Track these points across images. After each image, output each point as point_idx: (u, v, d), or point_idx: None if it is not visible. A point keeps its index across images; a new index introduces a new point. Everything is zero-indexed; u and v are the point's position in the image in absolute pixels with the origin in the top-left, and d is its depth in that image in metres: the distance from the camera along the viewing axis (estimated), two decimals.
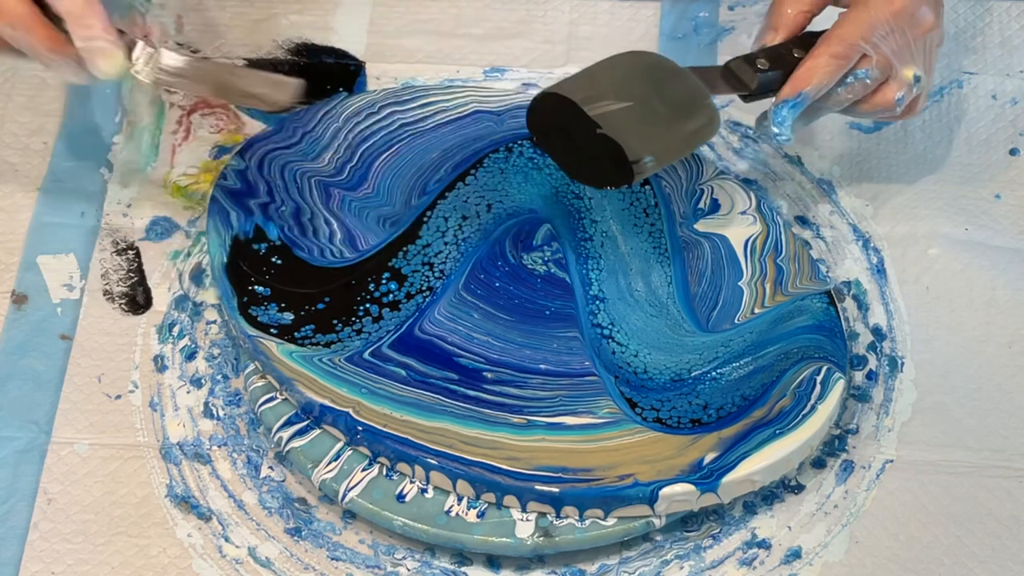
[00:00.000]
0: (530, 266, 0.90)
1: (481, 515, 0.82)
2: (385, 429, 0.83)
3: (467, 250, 0.91)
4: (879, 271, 0.94)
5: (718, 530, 0.85)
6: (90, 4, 0.83)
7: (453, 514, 0.82)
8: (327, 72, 1.03)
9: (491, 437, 0.83)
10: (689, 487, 0.81)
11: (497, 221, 0.92)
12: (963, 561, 0.83)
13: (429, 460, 0.82)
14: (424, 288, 0.89)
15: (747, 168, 0.98)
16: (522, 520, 0.82)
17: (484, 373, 0.85)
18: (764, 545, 0.84)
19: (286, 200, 0.92)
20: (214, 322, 0.92)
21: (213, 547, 0.84)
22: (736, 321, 0.87)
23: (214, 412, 0.89)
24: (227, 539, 0.85)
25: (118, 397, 0.89)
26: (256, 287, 0.89)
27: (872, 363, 0.90)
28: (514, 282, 0.90)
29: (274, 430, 0.85)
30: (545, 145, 0.89)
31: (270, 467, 0.87)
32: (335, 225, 0.92)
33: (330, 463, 0.84)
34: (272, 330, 0.87)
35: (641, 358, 0.86)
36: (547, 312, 0.88)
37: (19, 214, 0.96)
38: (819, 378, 0.85)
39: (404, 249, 0.91)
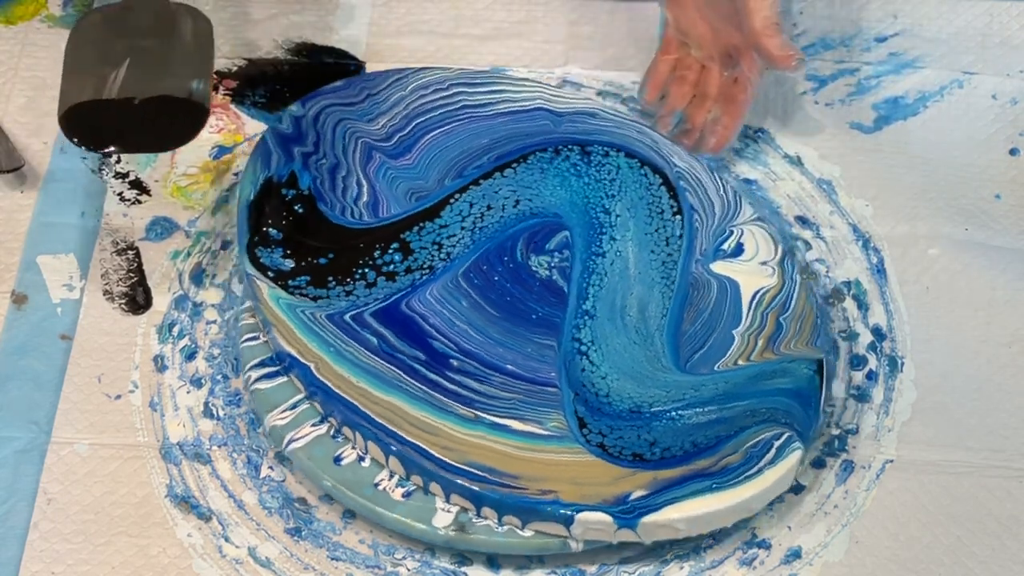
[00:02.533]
0: (534, 268, 0.90)
1: (407, 495, 0.83)
2: (338, 391, 0.84)
3: (480, 239, 0.91)
4: (879, 271, 0.94)
5: (718, 530, 0.85)
6: None
7: (381, 488, 0.83)
8: (327, 72, 1.03)
9: (434, 423, 0.83)
10: (607, 518, 0.81)
11: (519, 218, 0.92)
12: (963, 561, 0.83)
13: (368, 429, 0.83)
14: (425, 266, 0.89)
15: (747, 168, 0.98)
16: (443, 510, 0.83)
17: (451, 360, 0.86)
18: (764, 545, 0.84)
19: (328, 154, 0.93)
20: (214, 322, 0.92)
21: (213, 547, 0.84)
22: (716, 368, 0.86)
23: (214, 412, 0.89)
24: (227, 539, 0.85)
25: (118, 397, 0.89)
26: (270, 229, 0.90)
27: (872, 363, 0.90)
28: (513, 280, 0.90)
29: (246, 367, 0.87)
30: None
31: (270, 467, 0.87)
32: (365, 188, 0.92)
33: (285, 411, 0.86)
34: (269, 273, 0.88)
35: (608, 381, 0.85)
36: (533, 316, 0.88)
37: (19, 214, 0.96)
38: (777, 443, 0.82)
39: (421, 225, 0.91)
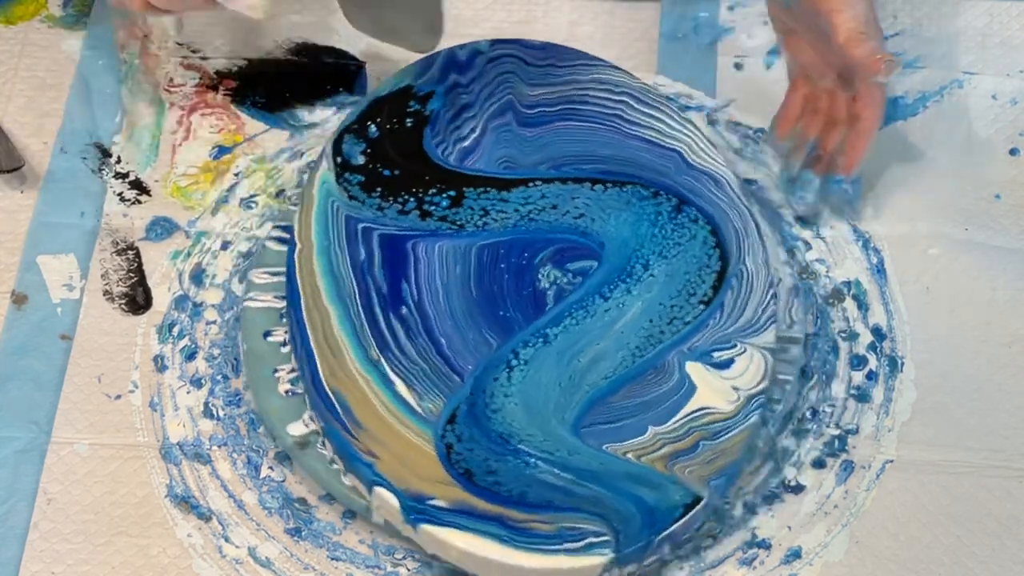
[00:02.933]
0: (540, 276, 0.89)
1: (290, 394, 0.87)
2: (298, 279, 0.88)
3: (520, 228, 0.91)
4: (879, 271, 0.94)
5: (718, 530, 0.85)
6: None
7: (276, 376, 0.88)
8: (327, 72, 1.03)
9: (343, 345, 0.86)
10: (397, 506, 0.81)
11: (567, 230, 0.91)
12: (963, 561, 0.83)
13: (296, 324, 0.87)
14: (458, 223, 0.90)
15: (747, 168, 0.98)
16: (303, 422, 0.86)
17: (402, 306, 0.87)
18: (764, 545, 0.84)
19: (472, 93, 0.95)
20: (214, 322, 0.92)
21: (213, 547, 0.84)
22: (603, 447, 0.83)
23: (214, 412, 0.89)
24: (227, 539, 0.85)
25: (118, 397, 0.90)
26: (372, 125, 0.93)
27: (872, 363, 0.90)
28: (513, 275, 0.89)
29: (250, 275, 0.92)
30: None
31: (270, 467, 0.87)
32: (474, 136, 0.93)
33: (267, 331, 0.90)
34: (339, 158, 0.92)
35: (507, 401, 0.84)
36: (501, 313, 0.88)
37: (19, 214, 0.96)
38: (592, 539, 0.80)
39: (486, 189, 0.92)
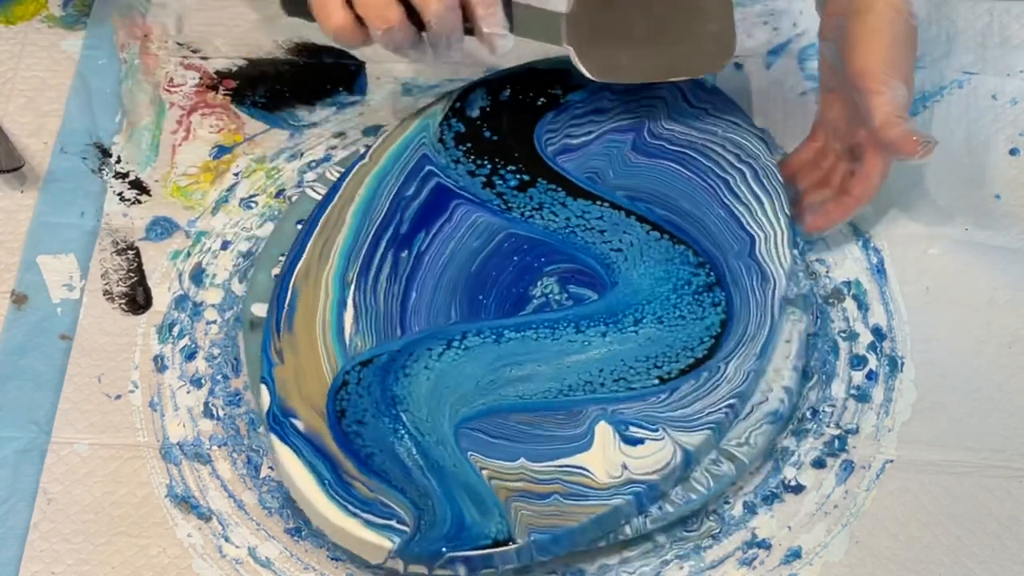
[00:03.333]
0: (539, 282, 0.89)
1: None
2: (344, 181, 0.93)
3: (559, 234, 0.91)
4: (879, 271, 0.94)
5: (718, 530, 0.85)
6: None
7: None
8: (327, 72, 1.03)
9: (330, 254, 0.90)
10: (267, 402, 0.85)
11: (598, 256, 0.90)
12: (963, 561, 0.83)
13: (314, 213, 0.92)
14: (510, 204, 0.92)
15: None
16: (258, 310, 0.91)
17: (403, 250, 0.91)
18: (764, 545, 0.84)
19: (609, 107, 0.96)
20: (214, 322, 0.92)
21: (213, 547, 0.84)
22: (467, 454, 0.83)
23: (214, 412, 0.89)
24: (227, 539, 0.85)
25: (118, 397, 0.89)
26: (509, 88, 0.97)
27: (872, 363, 0.90)
28: (516, 270, 0.90)
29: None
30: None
31: (270, 467, 0.87)
32: (584, 139, 0.95)
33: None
34: (458, 103, 0.96)
35: (424, 371, 0.86)
36: (480, 297, 0.89)
37: (19, 214, 0.96)
38: (394, 524, 0.80)
39: (557, 188, 0.93)
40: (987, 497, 0.85)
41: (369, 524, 0.81)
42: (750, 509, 0.85)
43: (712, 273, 0.89)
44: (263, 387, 0.86)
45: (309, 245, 0.91)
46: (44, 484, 0.86)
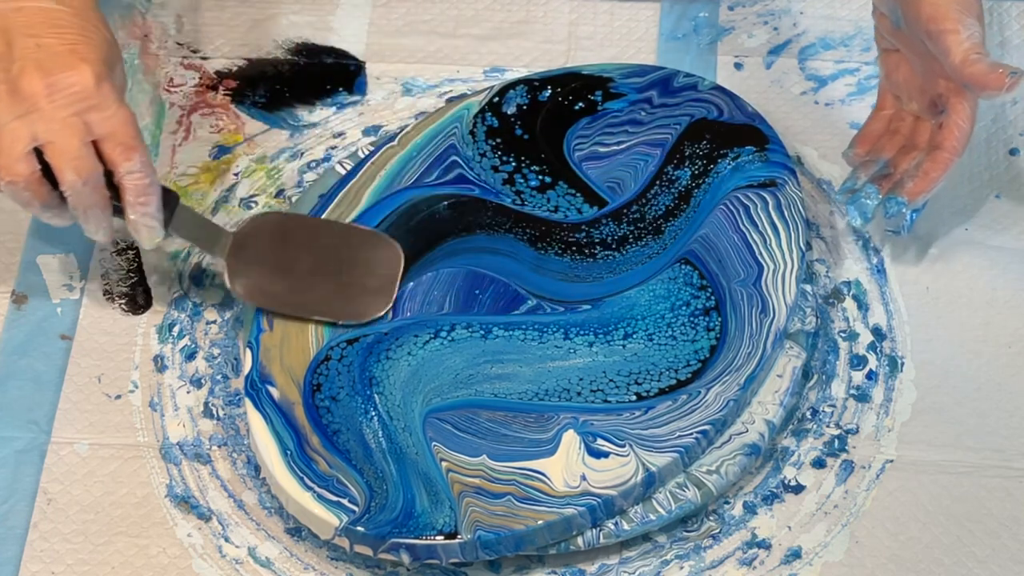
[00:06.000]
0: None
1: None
2: (369, 162, 0.94)
3: (568, 238, 0.91)
4: (879, 271, 0.94)
5: (718, 530, 0.85)
6: (153, 180, 0.84)
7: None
8: (327, 72, 1.03)
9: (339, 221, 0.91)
10: (249, 366, 0.87)
11: (603, 266, 0.90)
12: (963, 561, 0.83)
13: (334, 190, 0.93)
14: (525, 201, 0.93)
15: None
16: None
17: (427, 214, 0.92)
18: (764, 545, 0.84)
19: (645, 121, 0.96)
20: (214, 322, 0.92)
21: (213, 547, 0.84)
22: (431, 443, 0.84)
23: (214, 412, 0.89)
24: (227, 539, 0.85)
25: (118, 397, 0.89)
26: (548, 89, 0.97)
27: (872, 363, 0.90)
28: (516, 269, 0.90)
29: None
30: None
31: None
32: (613, 149, 0.95)
33: None
34: (496, 98, 0.96)
35: (407, 357, 0.86)
36: (476, 291, 0.89)
37: (19, 214, 0.96)
38: (346, 503, 0.81)
39: (576, 193, 0.93)
40: (987, 497, 0.85)
41: (321, 499, 0.82)
42: (750, 509, 0.85)
43: (713, 297, 0.89)
44: (247, 351, 0.87)
45: (321, 219, 0.92)
46: (44, 484, 0.86)
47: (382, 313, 0.89)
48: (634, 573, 0.83)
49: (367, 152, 0.95)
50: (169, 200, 0.86)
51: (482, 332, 0.88)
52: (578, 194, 0.93)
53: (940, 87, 0.89)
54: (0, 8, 0.83)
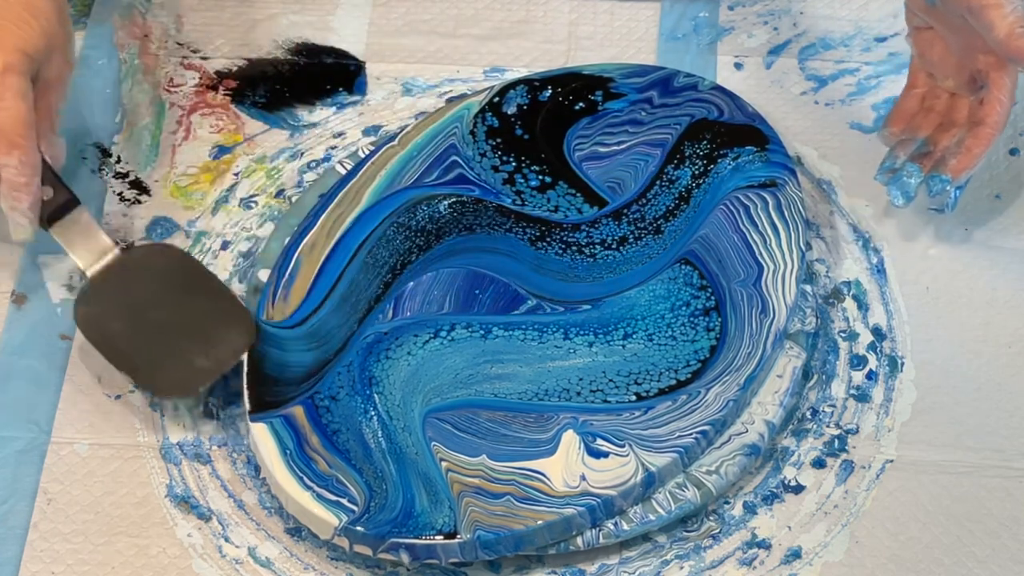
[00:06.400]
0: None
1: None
2: (369, 162, 0.94)
3: (568, 238, 0.91)
4: (879, 271, 0.94)
5: (718, 530, 0.85)
6: (30, 180, 0.85)
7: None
8: (327, 72, 1.03)
9: (339, 231, 0.91)
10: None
11: (603, 266, 0.91)
12: (963, 561, 0.83)
13: (334, 189, 0.93)
14: (525, 200, 0.93)
15: None
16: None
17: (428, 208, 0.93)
18: (764, 545, 0.84)
19: (645, 121, 0.96)
20: None
21: (213, 547, 0.84)
22: (431, 443, 0.84)
23: (214, 412, 0.89)
24: (227, 539, 0.85)
25: (118, 397, 0.89)
26: (549, 89, 0.97)
27: (872, 363, 0.90)
28: (516, 269, 0.90)
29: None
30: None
31: None
32: (613, 149, 0.95)
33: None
34: (497, 98, 0.96)
35: (407, 357, 0.87)
36: (476, 291, 0.89)
37: None
38: (345, 502, 0.81)
39: (576, 193, 0.93)
40: (987, 497, 0.85)
41: (320, 499, 0.82)
42: (750, 509, 0.85)
43: (713, 297, 0.89)
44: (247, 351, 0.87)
45: (320, 220, 0.92)
46: (44, 484, 0.86)
47: (184, 396, 0.87)
48: (634, 573, 0.83)
49: (367, 152, 0.95)
50: (62, 202, 0.87)
51: (482, 332, 0.88)
52: (578, 194, 0.93)
53: (979, 62, 0.89)
54: None
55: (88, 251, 0.88)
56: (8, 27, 0.83)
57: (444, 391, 0.86)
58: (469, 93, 0.99)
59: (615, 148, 0.95)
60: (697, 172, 0.93)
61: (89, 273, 0.88)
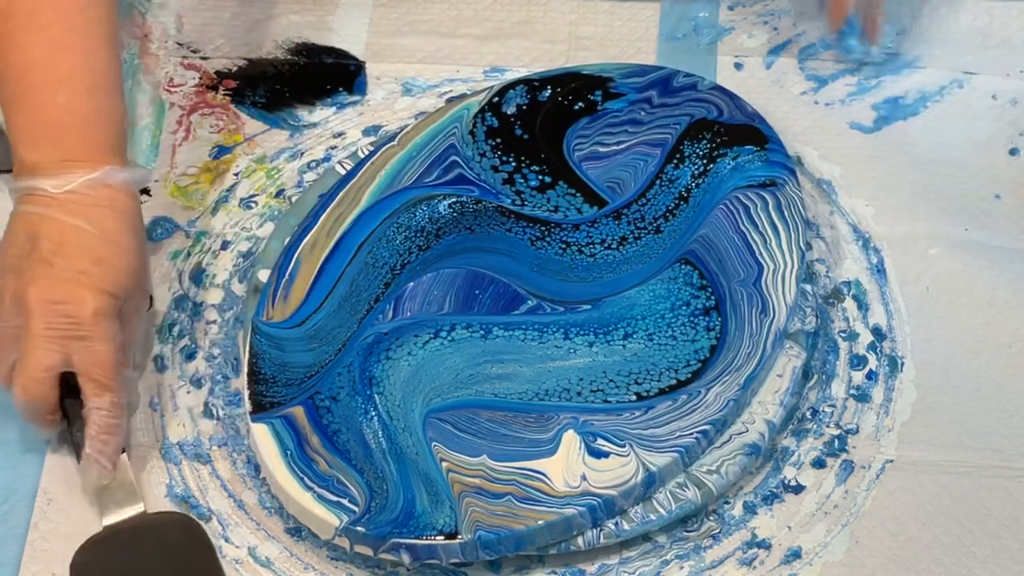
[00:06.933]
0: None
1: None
2: (369, 162, 0.94)
3: (568, 238, 0.92)
4: (879, 271, 0.94)
5: (718, 530, 0.85)
6: (120, 421, 0.84)
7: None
8: (327, 72, 1.03)
9: (338, 231, 0.91)
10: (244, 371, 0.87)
11: (603, 265, 0.91)
12: (963, 561, 0.83)
13: (334, 190, 0.93)
14: (525, 201, 0.93)
15: None
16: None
17: (425, 209, 0.93)
18: (764, 545, 0.84)
19: (645, 120, 0.96)
20: (214, 322, 0.92)
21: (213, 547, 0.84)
22: (431, 443, 0.84)
23: (214, 412, 0.89)
24: (227, 539, 0.85)
25: None
26: (549, 89, 0.97)
27: (872, 363, 0.90)
28: (516, 269, 0.90)
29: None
30: None
31: None
32: (613, 149, 0.95)
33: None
34: (496, 98, 0.96)
35: (407, 357, 0.87)
36: (476, 291, 0.90)
37: None
38: (346, 503, 0.81)
39: (576, 193, 0.93)
40: (987, 497, 0.85)
41: (321, 499, 0.82)
42: (750, 509, 0.85)
43: (713, 297, 0.89)
44: (248, 351, 0.87)
45: (321, 220, 0.92)
46: (44, 484, 0.86)
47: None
48: (634, 573, 0.83)
49: (367, 152, 0.95)
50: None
51: (482, 332, 0.88)
52: (578, 194, 0.93)
53: None
54: (34, 212, 0.84)
55: (114, 501, 0.85)
56: (99, 268, 0.83)
57: (444, 391, 0.86)
58: (469, 93, 0.99)
59: (615, 148, 0.95)
60: (697, 172, 0.93)
61: (104, 522, 0.84)
